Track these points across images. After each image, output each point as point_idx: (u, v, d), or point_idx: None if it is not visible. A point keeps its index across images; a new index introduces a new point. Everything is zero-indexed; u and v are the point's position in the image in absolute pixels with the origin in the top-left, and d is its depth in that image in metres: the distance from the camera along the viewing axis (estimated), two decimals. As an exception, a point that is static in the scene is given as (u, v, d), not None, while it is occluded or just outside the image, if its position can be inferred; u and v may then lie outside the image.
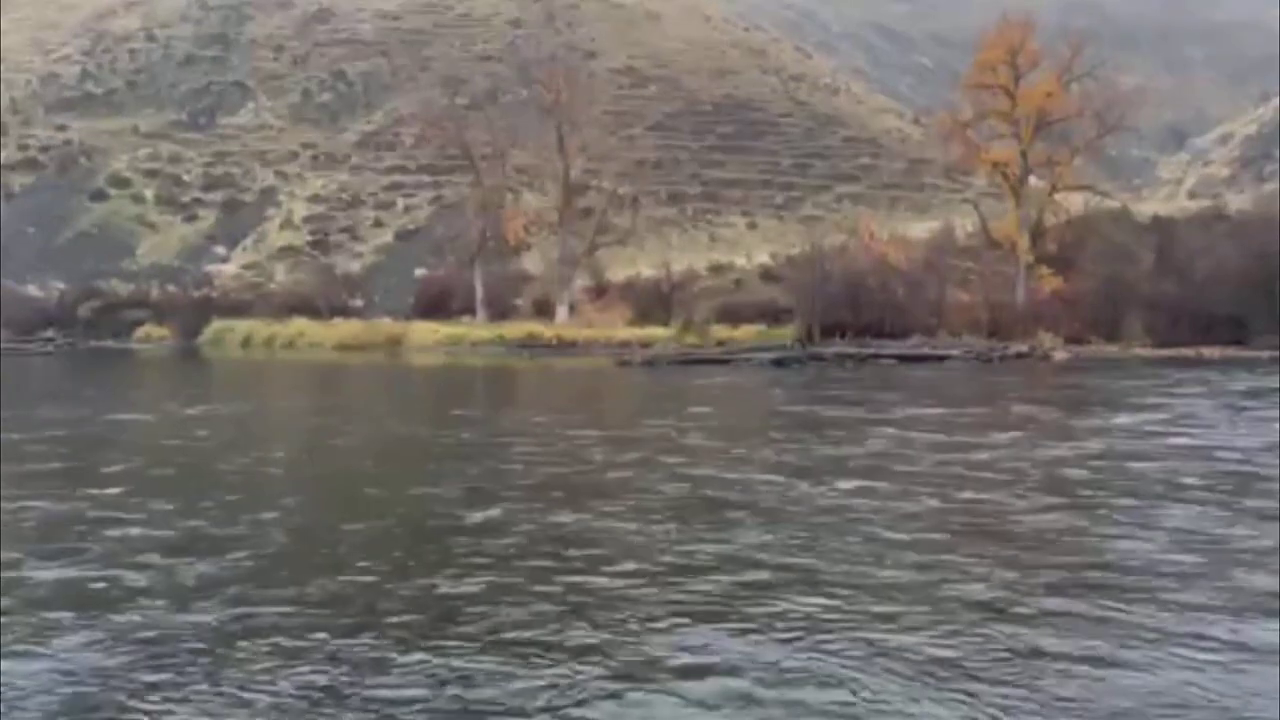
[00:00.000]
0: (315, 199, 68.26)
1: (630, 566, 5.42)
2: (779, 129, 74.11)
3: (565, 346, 37.66)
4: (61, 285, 56.30)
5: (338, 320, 45.76)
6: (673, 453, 10.26)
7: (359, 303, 52.17)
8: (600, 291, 46.07)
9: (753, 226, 63.93)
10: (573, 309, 43.57)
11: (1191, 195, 71.69)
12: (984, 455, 9.73)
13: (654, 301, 42.23)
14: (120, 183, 68.95)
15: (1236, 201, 49.58)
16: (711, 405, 17.10)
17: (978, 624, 4.45)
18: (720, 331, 36.61)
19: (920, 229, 48.30)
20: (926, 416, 14.25)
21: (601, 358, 32.42)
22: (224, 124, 75.73)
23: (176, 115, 76.15)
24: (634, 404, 18.65)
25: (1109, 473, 8.85)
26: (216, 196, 68.85)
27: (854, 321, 34.27)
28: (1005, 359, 29.77)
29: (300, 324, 44.65)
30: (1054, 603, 4.79)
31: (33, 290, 55.75)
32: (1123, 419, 13.68)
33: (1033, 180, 39.72)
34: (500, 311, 44.68)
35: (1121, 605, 4.73)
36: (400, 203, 67.06)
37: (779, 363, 28.56)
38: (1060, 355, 30.67)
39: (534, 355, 35.55)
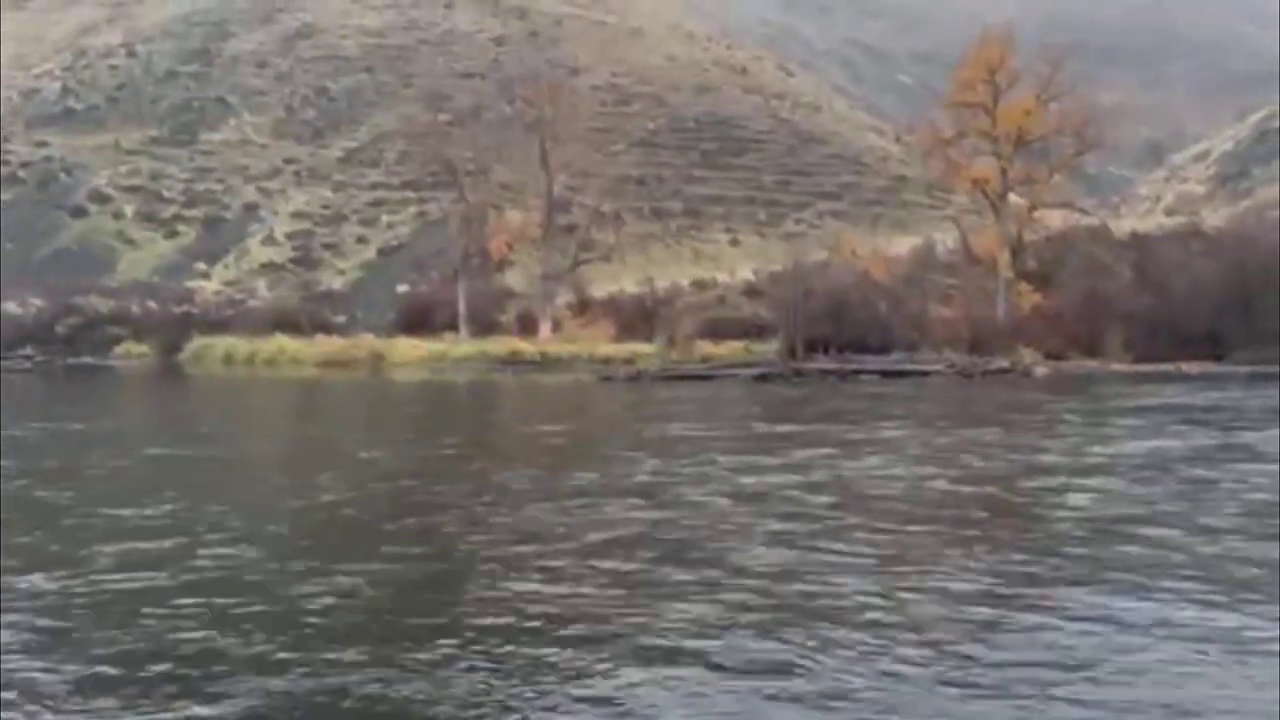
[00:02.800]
0: (298, 215, 68.09)
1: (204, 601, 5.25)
2: (761, 146, 74.46)
3: (549, 363, 37.62)
4: (40, 302, 55.89)
5: (320, 337, 45.57)
6: (429, 476, 10.16)
7: (342, 319, 52.01)
8: (584, 308, 46.08)
9: (735, 243, 64.14)
10: (556, 325, 43.58)
11: (1169, 212, 72.37)
12: (771, 477, 9.51)
13: (637, 317, 42.27)
14: (101, 199, 68.59)
15: (1213, 218, 50.10)
16: (578, 422, 17.11)
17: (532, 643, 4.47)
18: (704, 347, 36.68)
19: (902, 245, 48.59)
20: (772, 434, 14.26)
21: (585, 374, 32.45)
22: (206, 140, 75.50)
23: (158, 131, 75.87)
24: (509, 420, 18.79)
25: (857, 495, 8.64)
26: (198, 212, 68.59)
27: (837, 337, 34.36)
28: (987, 374, 29.90)
29: (281, 341, 44.45)
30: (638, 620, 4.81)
31: (11, 307, 55.29)
32: (945, 438, 13.52)
33: (1013, 197, 39.97)
34: (483, 328, 44.60)
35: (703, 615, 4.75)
36: (383, 219, 66.96)
37: (762, 378, 28.61)
38: (1041, 370, 30.83)
39: (517, 372, 35.50)
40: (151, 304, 55.26)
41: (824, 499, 8.36)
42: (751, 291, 45.65)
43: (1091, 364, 31.81)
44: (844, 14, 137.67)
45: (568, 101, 51.39)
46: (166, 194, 69.82)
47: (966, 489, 8.93)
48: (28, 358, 46.48)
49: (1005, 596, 5.37)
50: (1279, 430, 13.73)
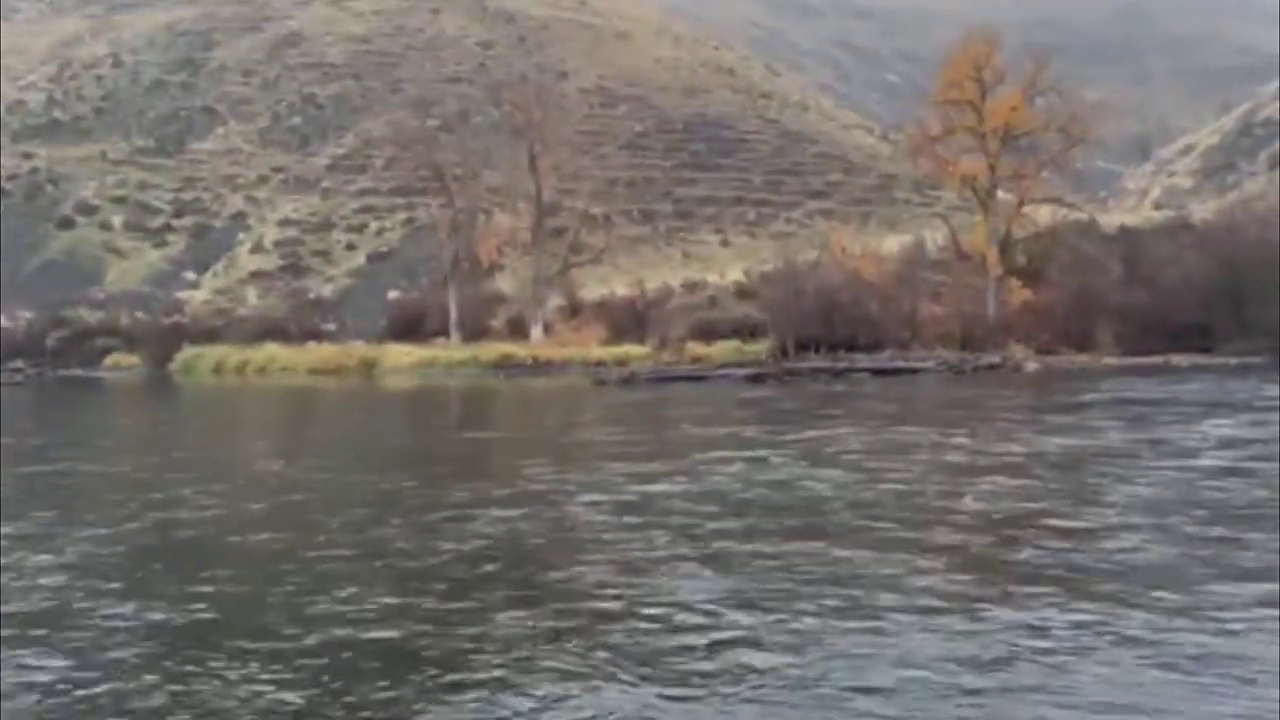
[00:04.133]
0: (286, 223, 67.97)
1: None
2: (750, 146, 74.60)
3: (540, 366, 37.58)
4: (29, 314, 55.68)
5: (311, 344, 45.48)
6: (313, 489, 10.00)
7: (332, 326, 51.91)
8: (574, 310, 46.04)
9: (725, 243, 64.22)
10: (547, 328, 43.54)
11: (1156, 206, 72.70)
12: (660, 485, 9.33)
13: (628, 320, 42.23)
14: (88, 210, 68.39)
15: (1200, 211, 50.30)
16: (516, 428, 17.32)
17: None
18: (695, 348, 36.68)
19: (891, 243, 48.65)
20: (698, 437, 14.27)
21: (577, 377, 32.41)
22: (193, 149, 75.35)
23: (144, 141, 75.70)
24: (449, 426, 18.80)
25: (731, 502, 8.42)
26: (186, 222, 68.46)
27: (828, 336, 34.36)
28: (978, 370, 29.95)
29: (272, 349, 44.34)
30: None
31: (1, 320, 55.10)
32: (876, 438, 13.25)
33: (1001, 193, 40.08)
34: (474, 332, 44.55)
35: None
36: (372, 225, 66.90)
37: (754, 378, 28.64)
38: (1032, 366, 30.89)
39: (509, 376, 35.46)
40: (141, 314, 55.10)
41: (695, 507, 8.20)
42: (742, 292, 45.65)
43: (1082, 358, 31.86)
44: (831, 15, 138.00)
45: (555, 105, 51.40)
46: (154, 204, 69.65)
47: (849, 493, 8.74)
48: (18, 370, 46.26)
49: (801, 599, 5.29)
50: (1210, 423, 13.77)
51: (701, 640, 4.73)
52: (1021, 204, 39.66)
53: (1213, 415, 14.95)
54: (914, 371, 29.53)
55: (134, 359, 48.78)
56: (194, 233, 67.59)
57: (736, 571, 6.02)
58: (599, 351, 38.02)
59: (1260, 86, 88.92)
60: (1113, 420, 14.76)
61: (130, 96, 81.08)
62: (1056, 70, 40.70)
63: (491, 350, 40.27)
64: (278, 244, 66.08)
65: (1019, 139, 39.69)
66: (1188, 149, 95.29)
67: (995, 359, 31.53)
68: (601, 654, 4.55)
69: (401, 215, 65.76)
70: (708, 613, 5.15)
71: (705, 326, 39.84)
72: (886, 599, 5.32)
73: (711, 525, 7.45)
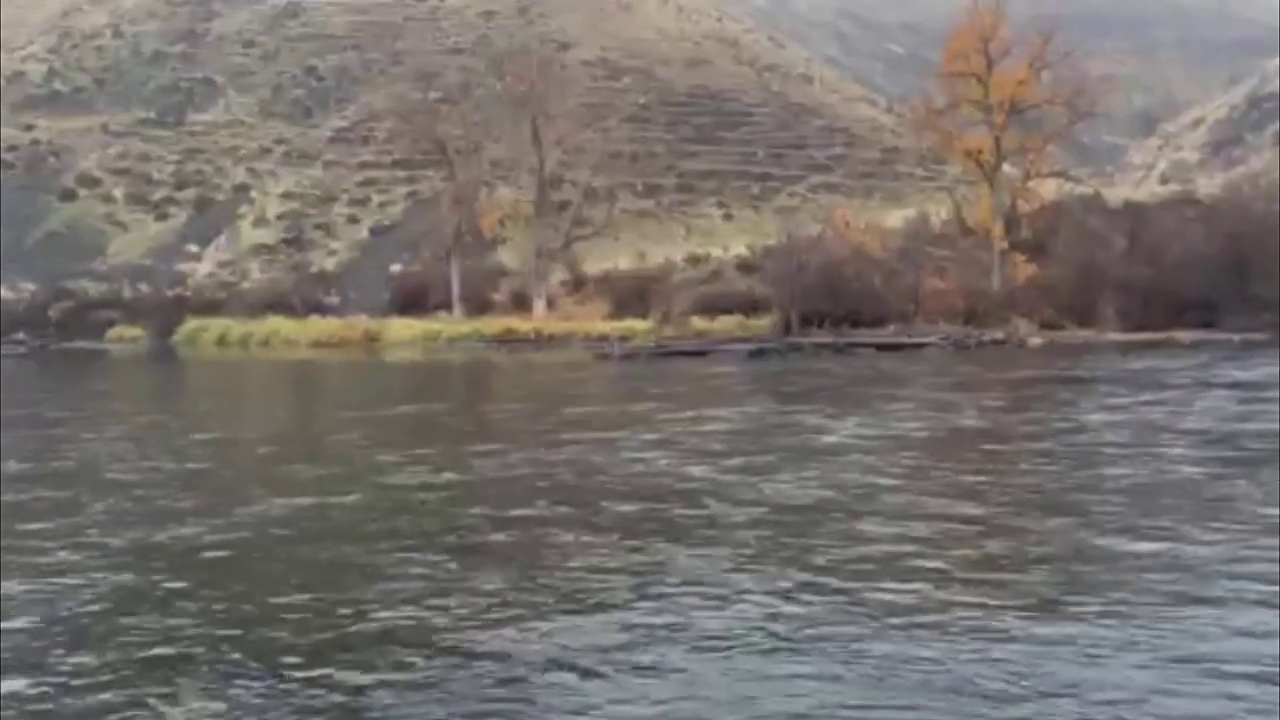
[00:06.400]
0: (288, 195, 67.72)
1: None
2: (753, 119, 74.11)
3: (543, 341, 37.61)
4: (32, 286, 55.67)
5: (313, 317, 45.50)
6: (123, 466, 9.81)
7: (334, 299, 51.89)
8: (577, 285, 46.01)
9: (729, 217, 63.97)
10: (550, 303, 43.51)
11: (1163, 180, 72.31)
12: (488, 468, 9.19)
13: (631, 294, 42.18)
14: (90, 182, 68.14)
15: (1206, 186, 50.06)
16: (435, 402, 17.41)
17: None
18: (698, 323, 36.67)
19: (896, 217, 48.46)
20: (586, 415, 14.24)
21: (580, 352, 32.42)
22: (194, 121, 74.95)
23: (145, 113, 75.29)
24: (369, 402, 18.82)
25: (504, 488, 8.19)
26: (188, 194, 68.19)
27: (831, 311, 34.34)
28: (981, 345, 29.96)
29: (275, 322, 44.38)
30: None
31: (2, 292, 55.08)
32: (772, 419, 13.01)
33: (1006, 167, 39.90)
34: (477, 306, 44.56)
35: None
36: (374, 198, 66.65)
37: (757, 353, 28.64)
38: (1035, 341, 30.89)
39: (512, 351, 35.48)
40: (144, 287, 55.06)
41: (490, 492, 8.02)
42: (745, 266, 45.55)
43: (1086, 333, 31.86)
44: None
45: (558, 77, 51.05)
46: (156, 176, 69.38)
47: (657, 480, 8.40)
48: (21, 343, 46.31)
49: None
50: (1121, 401, 13.70)
51: (385, 628, 4.65)
52: (1027, 178, 39.50)
53: (1138, 393, 14.89)
54: (918, 346, 29.53)
55: (137, 331, 48.83)
56: (196, 205, 67.36)
57: (467, 562, 5.85)
58: (602, 326, 38.00)
59: (1265, 60, 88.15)
60: (1032, 399, 14.76)
61: (131, 67, 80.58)
62: (1062, 42, 40.38)
63: (494, 324, 40.31)
64: (280, 217, 65.89)
65: (1024, 112, 39.47)
66: (1195, 123, 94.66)
67: (999, 334, 31.55)
68: (265, 647, 4.45)
69: (404, 188, 65.50)
70: (419, 605, 5.01)
71: (708, 301, 39.79)
72: (602, 590, 5.21)
73: (482, 511, 7.26)
